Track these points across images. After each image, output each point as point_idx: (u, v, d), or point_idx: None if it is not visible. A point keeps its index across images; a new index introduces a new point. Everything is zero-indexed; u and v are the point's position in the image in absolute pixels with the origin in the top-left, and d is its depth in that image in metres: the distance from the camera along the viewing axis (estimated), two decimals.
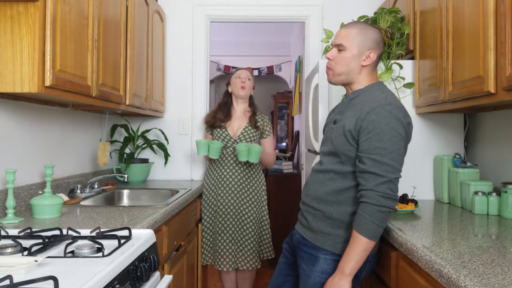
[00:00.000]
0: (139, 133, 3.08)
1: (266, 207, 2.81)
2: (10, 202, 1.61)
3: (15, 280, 0.91)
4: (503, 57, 1.35)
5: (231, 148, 2.72)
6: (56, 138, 2.19)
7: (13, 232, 1.40)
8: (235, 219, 2.67)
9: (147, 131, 3.13)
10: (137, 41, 2.49)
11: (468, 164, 2.05)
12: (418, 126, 2.22)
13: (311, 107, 2.67)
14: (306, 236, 1.59)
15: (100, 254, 1.18)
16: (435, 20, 1.90)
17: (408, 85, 2.17)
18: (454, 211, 1.92)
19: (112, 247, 1.24)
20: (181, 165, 3.25)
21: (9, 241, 1.26)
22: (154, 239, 1.47)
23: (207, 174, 2.83)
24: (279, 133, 6.80)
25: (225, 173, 2.72)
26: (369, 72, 1.57)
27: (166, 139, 3.17)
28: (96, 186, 2.40)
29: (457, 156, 2.11)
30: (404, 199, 1.89)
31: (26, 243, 1.25)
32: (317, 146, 2.46)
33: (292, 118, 6.26)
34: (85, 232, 1.42)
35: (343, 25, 1.69)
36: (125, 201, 2.60)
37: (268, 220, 2.79)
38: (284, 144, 6.77)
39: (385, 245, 1.58)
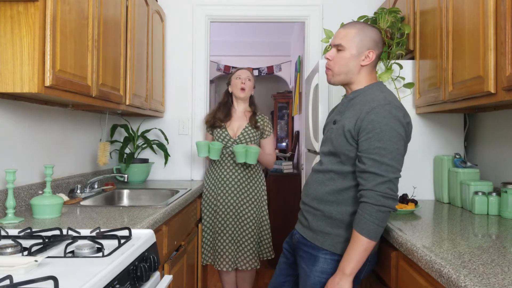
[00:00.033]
0: (139, 133, 3.08)
1: (266, 207, 2.80)
2: (10, 202, 1.61)
3: (15, 280, 0.91)
4: (503, 57, 1.35)
5: (231, 148, 2.71)
6: (56, 138, 2.19)
7: (13, 232, 1.40)
8: (235, 219, 2.67)
9: (147, 131, 3.13)
10: (137, 41, 2.49)
11: (468, 164, 2.05)
12: (418, 126, 2.22)
13: (311, 107, 2.67)
14: (306, 236, 1.59)
15: (100, 254, 1.18)
16: (435, 20, 1.90)
17: (408, 85, 2.17)
18: (454, 211, 1.92)
19: (112, 247, 1.24)
20: (181, 165, 3.26)
21: (9, 241, 1.26)
22: (154, 239, 1.47)
23: (208, 174, 2.83)
24: (279, 133, 6.80)
25: (225, 173, 2.72)
26: (368, 72, 1.57)
27: (166, 139, 3.17)
28: (96, 186, 2.40)
29: (457, 156, 2.11)
30: (404, 199, 1.89)
31: (26, 243, 1.25)
32: (317, 146, 2.46)
33: (292, 118, 6.26)
34: (85, 232, 1.42)
35: (342, 25, 1.69)
36: (125, 201, 2.60)
37: (268, 220, 2.79)
38: (284, 144, 6.77)
39: (385, 245, 1.58)
